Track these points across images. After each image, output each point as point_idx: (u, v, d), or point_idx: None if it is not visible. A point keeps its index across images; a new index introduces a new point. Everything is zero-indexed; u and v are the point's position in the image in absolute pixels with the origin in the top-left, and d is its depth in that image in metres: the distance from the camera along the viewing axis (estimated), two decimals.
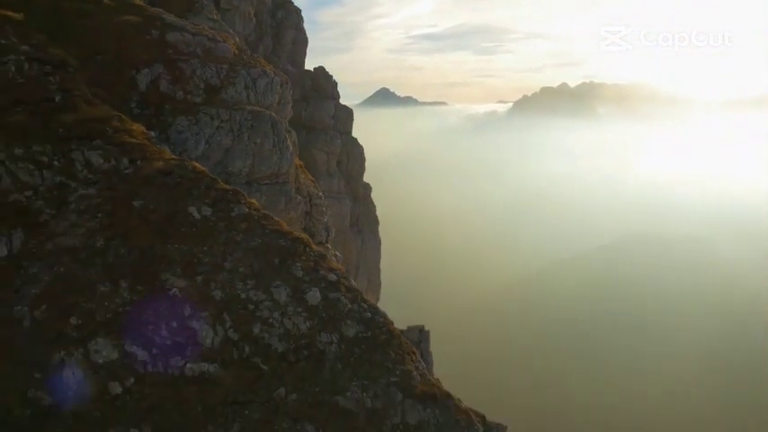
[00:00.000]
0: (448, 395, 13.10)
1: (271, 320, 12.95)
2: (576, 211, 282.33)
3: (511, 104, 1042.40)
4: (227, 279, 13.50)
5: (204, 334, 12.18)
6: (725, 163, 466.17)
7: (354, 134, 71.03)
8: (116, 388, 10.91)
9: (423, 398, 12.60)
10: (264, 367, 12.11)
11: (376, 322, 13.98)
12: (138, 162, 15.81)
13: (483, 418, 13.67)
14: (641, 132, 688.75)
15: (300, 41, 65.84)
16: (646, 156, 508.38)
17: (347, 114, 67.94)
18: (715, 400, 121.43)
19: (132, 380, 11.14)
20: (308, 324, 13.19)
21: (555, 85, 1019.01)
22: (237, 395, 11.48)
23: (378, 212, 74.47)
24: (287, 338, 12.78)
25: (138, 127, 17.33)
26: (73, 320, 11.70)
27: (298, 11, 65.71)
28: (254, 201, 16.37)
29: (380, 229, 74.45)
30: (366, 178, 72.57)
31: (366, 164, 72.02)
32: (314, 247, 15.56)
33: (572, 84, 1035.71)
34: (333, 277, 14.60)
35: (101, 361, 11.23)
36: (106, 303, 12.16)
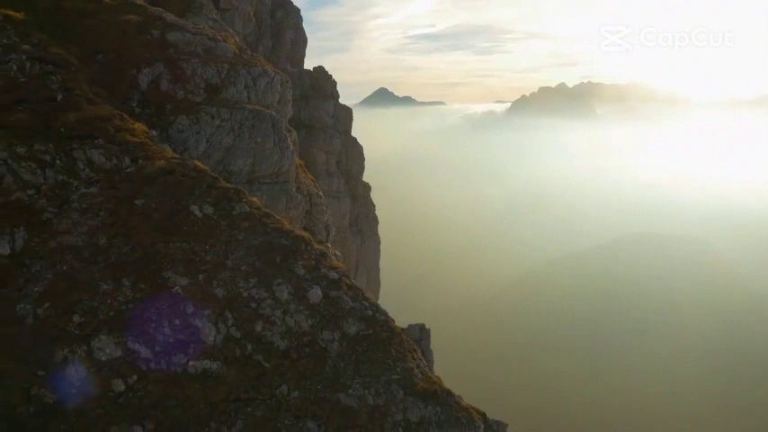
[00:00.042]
0: (449, 392, 13.18)
1: (273, 318, 13.02)
2: (574, 211, 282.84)
3: (509, 104, 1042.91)
4: (230, 277, 13.57)
5: (207, 332, 12.23)
6: (723, 163, 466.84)
7: (353, 134, 71.09)
8: (119, 385, 10.94)
9: (424, 395, 12.68)
10: (267, 365, 12.18)
11: (377, 320, 14.06)
12: (140, 161, 15.87)
13: (483, 415, 13.74)
14: (639, 132, 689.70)
15: (300, 41, 65.84)
16: (644, 155, 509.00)
17: (347, 114, 68.00)
18: (714, 399, 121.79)
19: (135, 377, 11.17)
20: (309, 322, 13.26)
21: (553, 84, 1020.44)
22: (240, 392, 11.54)
23: (376, 212, 74.52)
24: (289, 336, 12.85)
25: (139, 126, 17.39)
26: (76, 318, 11.74)
27: (297, 10, 65.73)
28: (255, 199, 16.43)
29: (378, 228, 74.52)
30: (365, 178, 72.64)
31: (365, 163, 72.11)
32: (315, 245, 15.63)
33: (570, 84, 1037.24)
34: (334, 275, 14.67)
35: (104, 358, 11.27)
36: (109, 301, 12.21)
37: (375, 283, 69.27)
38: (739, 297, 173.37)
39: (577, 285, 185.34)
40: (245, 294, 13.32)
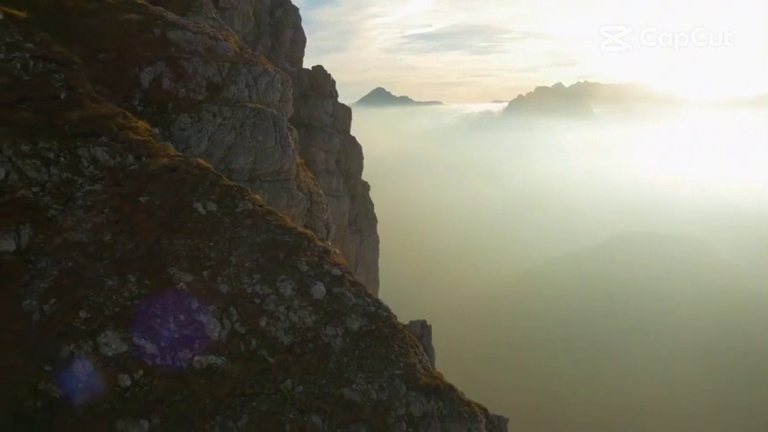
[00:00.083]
0: (451, 387, 13.28)
1: (277, 314, 13.12)
2: (571, 211, 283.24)
3: (506, 104, 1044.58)
4: (234, 273, 13.67)
5: (211, 327, 12.33)
6: (721, 162, 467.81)
7: (351, 133, 71.17)
8: (125, 380, 11.02)
9: (426, 390, 12.78)
10: (271, 360, 12.28)
11: (380, 316, 14.17)
12: (144, 158, 15.97)
13: (485, 410, 13.86)
14: (636, 132, 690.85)
15: (299, 40, 65.92)
16: (641, 155, 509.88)
17: (345, 113, 68.14)
18: (712, 399, 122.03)
19: (141, 372, 11.24)
20: (313, 318, 13.37)
21: (550, 84, 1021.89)
22: (245, 387, 11.62)
23: (374, 211, 74.67)
24: (293, 332, 12.96)
25: (142, 124, 17.50)
26: (82, 314, 11.82)
27: (296, 10, 65.80)
28: (258, 197, 16.54)
29: (377, 227, 74.62)
30: (362, 177, 72.75)
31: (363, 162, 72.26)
32: (318, 242, 15.74)
33: (567, 83, 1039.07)
34: (337, 272, 14.79)
35: (110, 354, 11.35)
36: (114, 297, 12.31)
37: (374, 282, 69.37)
38: (737, 297, 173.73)
39: (575, 285, 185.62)
40: (250, 290, 13.42)
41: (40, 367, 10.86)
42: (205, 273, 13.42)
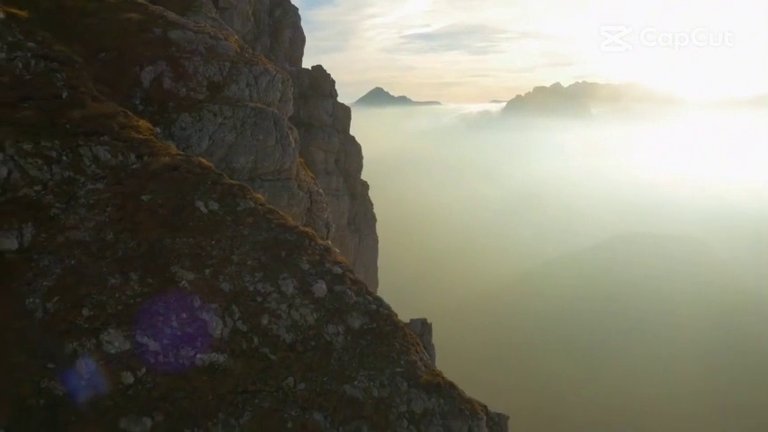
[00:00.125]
0: (452, 385, 13.36)
1: (278, 312, 13.20)
2: (570, 211, 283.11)
3: (504, 104, 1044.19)
4: (235, 272, 13.74)
5: (214, 325, 12.39)
6: (720, 162, 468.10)
7: (350, 133, 71.18)
8: (128, 377, 11.08)
9: (427, 387, 12.86)
10: (273, 357, 12.34)
11: (381, 314, 14.25)
12: (145, 157, 16.04)
13: (485, 407, 13.93)
14: (635, 132, 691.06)
15: (298, 40, 65.92)
16: (640, 155, 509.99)
17: (345, 112, 68.12)
18: (712, 399, 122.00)
19: (144, 370, 11.31)
20: (314, 315, 13.44)
21: (548, 84, 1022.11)
22: (247, 384, 11.70)
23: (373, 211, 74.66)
24: (294, 329, 13.03)
25: (144, 123, 17.57)
26: (85, 312, 11.88)
27: (295, 9, 65.79)
28: (259, 195, 16.60)
29: (376, 227, 74.59)
30: (361, 177, 72.73)
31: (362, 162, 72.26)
32: (319, 240, 15.82)
33: (565, 83, 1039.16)
34: (338, 270, 14.87)
35: (113, 351, 11.41)
36: (117, 295, 12.36)
37: (373, 281, 69.36)
38: (736, 297, 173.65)
39: (574, 285, 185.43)
40: (251, 288, 13.49)
41: (43, 365, 10.92)
42: (207, 271, 13.49)
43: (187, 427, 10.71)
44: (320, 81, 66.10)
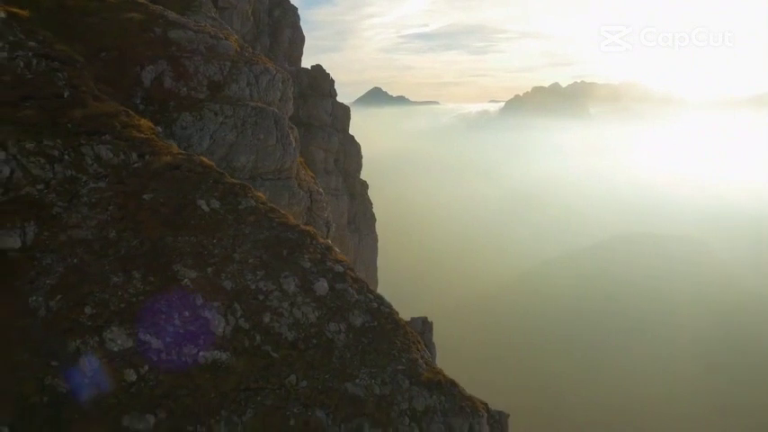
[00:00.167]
0: (453, 382, 13.41)
1: (280, 310, 13.25)
2: (569, 211, 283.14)
3: (503, 104, 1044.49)
4: (237, 270, 13.79)
5: (216, 323, 12.44)
6: (719, 162, 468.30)
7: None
8: (131, 375, 11.14)
9: (429, 385, 12.91)
10: (275, 355, 12.39)
11: (382, 312, 14.30)
12: (147, 156, 16.09)
13: (486, 405, 13.98)
14: (633, 132, 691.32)
15: (297, 40, 65.93)
16: (638, 155, 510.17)
17: (344, 112, 68.12)
18: (711, 399, 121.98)
19: (146, 367, 11.36)
20: (316, 314, 13.49)
21: (547, 84, 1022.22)
22: (250, 382, 11.74)
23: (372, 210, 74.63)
24: (296, 327, 13.07)
25: (145, 122, 17.61)
26: (87, 310, 11.94)
27: (294, 9, 65.80)
28: (261, 194, 16.65)
29: (375, 226, 74.58)
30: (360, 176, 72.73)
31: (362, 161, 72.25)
32: (320, 239, 15.86)
33: (564, 83, 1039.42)
34: (339, 268, 14.92)
35: (116, 349, 11.46)
36: (120, 293, 12.42)
37: (373, 281, 69.36)
38: (736, 297, 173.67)
39: (573, 285, 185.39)
40: (253, 287, 13.54)
41: (47, 363, 10.98)
42: (209, 269, 13.54)
43: (190, 425, 10.76)
44: (319, 81, 66.11)
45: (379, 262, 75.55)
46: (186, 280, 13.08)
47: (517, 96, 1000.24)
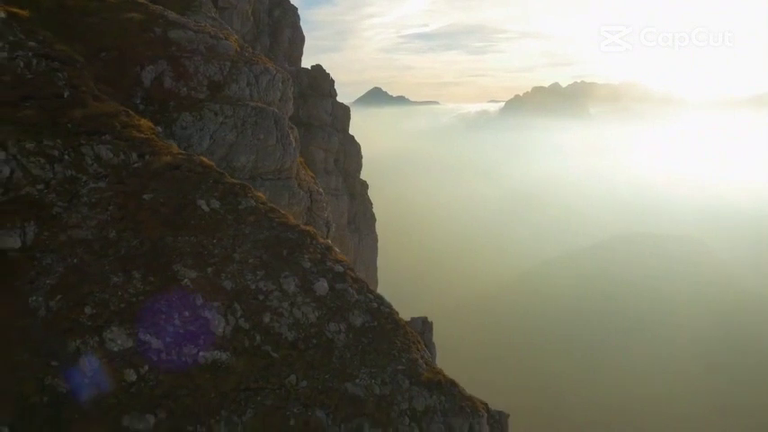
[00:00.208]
0: (453, 382, 13.40)
1: (280, 310, 13.24)
2: (569, 211, 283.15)
3: (503, 104, 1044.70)
4: (237, 270, 13.78)
5: (216, 323, 12.44)
6: (718, 162, 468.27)
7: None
8: (131, 375, 11.13)
9: (429, 385, 12.91)
10: (275, 355, 12.39)
11: (382, 312, 14.30)
12: (147, 156, 16.09)
13: (486, 405, 13.98)
14: (633, 132, 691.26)
15: (297, 40, 65.90)
16: (638, 155, 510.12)
17: (344, 112, 68.09)
18: (711, 398, 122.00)
19: (147, 367, 11.35)
20: (316, 314, 13.49)
21: (546, 84, 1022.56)
22: (250, 382, 11.74)
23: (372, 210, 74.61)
24: (296, 327, 13.07)
25: (145, 122, 17.61)
26: (87, 310, 11.94)
27: (294, 9, 65.77)
28: (261, 194, 16.64)
29: (375, 226, 74.56)
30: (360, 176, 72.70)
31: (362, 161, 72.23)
32: (320, 239, 15.86)
33: (564, 83, 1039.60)
34: (339, 268, 14.91)
35: (116, 349, 11.46)
36: (120, 293, 12.41)
37: (373, 281, 69.34)
38: (736, 297, 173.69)
39: (573, 285, 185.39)
40: (253, 287, 13.54)
41: (47, 363, 10.98)
42: (209, 269, 13.54)
43: (190, 425, 10.76)
44: (319, 80, 66.09)
45: (379, 262, 75.54)
46: (186, 280, 13.08)
47: (517, 96, 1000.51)
